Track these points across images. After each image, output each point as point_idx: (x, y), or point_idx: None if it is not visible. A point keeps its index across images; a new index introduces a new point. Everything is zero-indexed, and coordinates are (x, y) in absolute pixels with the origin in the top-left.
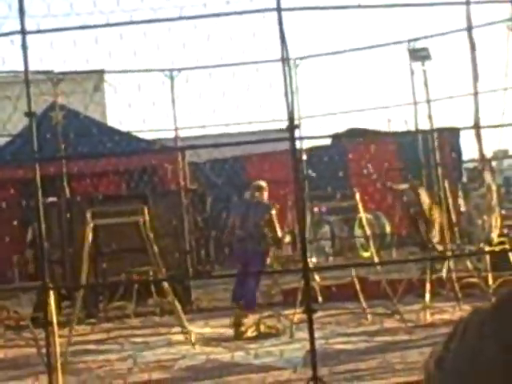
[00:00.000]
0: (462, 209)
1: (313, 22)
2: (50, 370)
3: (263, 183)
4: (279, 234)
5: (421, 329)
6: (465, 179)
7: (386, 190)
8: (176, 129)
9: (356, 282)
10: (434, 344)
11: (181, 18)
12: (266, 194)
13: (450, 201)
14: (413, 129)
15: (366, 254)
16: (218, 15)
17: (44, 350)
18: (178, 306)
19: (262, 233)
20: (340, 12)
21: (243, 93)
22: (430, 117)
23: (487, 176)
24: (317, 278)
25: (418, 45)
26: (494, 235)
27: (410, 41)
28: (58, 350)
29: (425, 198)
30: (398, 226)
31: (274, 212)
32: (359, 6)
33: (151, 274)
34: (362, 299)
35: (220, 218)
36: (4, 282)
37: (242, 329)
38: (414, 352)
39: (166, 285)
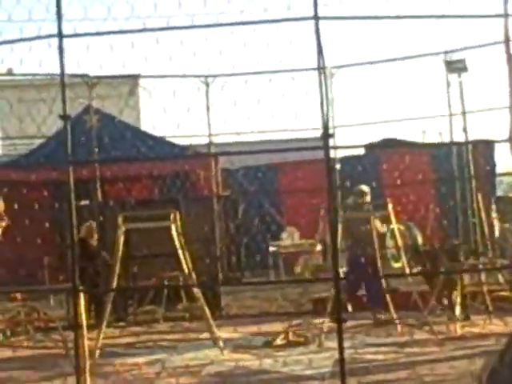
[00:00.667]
0: (495, 222)
1: (350, 31)
2: (78, 372)
3: (366, 188)
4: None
5: (451, 341)
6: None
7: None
8: (210, 135)
9: (386, 292)
10: (463, 357)
11: (218, 24)
12: (368, 199)
13: (483, 214)
14: (447, 141)
15: (396, 265)
16: (254, 23)
17: (73, 352)
18: (208, 312)
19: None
20: (377, 22)
21: (278, 101)
22: (465, 129)
23: None
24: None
25: (455, 56)
26: None
27: (446, 52)
28: (87, 352)
29: None
30: (430, 237)
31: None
32: (397, 17)
33: (181, 279)
34: (392, 310)
35: (252, 224)
36: (34, 283)
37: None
38: (444, 364)
39: (196, 290)
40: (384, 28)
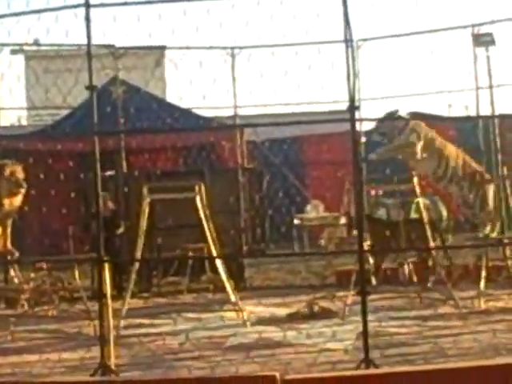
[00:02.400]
0: None
1: (377, 2)
2: (102, 342)
3: None
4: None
5: (475, 315)
6: None
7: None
8: (235, 107)
9: (411, 266)
10: (487, 331)
11: None
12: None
13: (509, 188)
14: (474, 114)
15: None
16: None
17: (97, 322)
18: (230, 284)
19: None
20: None
21: (305, 73)
22: (491, 103)
23: None
24: (371, 260)
25: (483, 30)
26: None
27: (474, 26)
28: (111, 322)
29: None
30: (455, 211)
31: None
32: None
33: (206, 250)
34: (416, 283)
35: (276, 197)
36: (60, 253)
37: None
38: (468, 338)
39: (217, 262)
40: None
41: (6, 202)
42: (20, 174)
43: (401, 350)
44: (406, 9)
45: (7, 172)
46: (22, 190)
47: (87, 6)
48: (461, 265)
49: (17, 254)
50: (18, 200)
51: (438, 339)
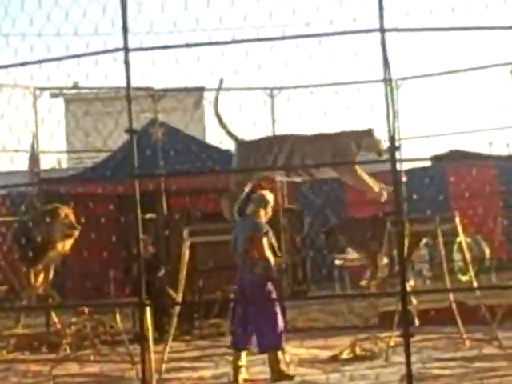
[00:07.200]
0: None
1: (416, 42)
2: None
3: (265, 194)
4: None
5: None
6: None
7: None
8: None
9: (454, 306)
10: None
11: (283, 37)
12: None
13: None
14: None
15: (464, 278)
16: (320, 35)
17: (139, 366)
18: None
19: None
20: (444, 33)
21: (344, 113)
22: None
23: None
24: (414, 301)
25: None
26: None
27: None
28: (153, 366)
29: None
30: (498, 250)
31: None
32: (464, 28)
33: None
34: (459, 324)
35: (318, 238)
36: (101, 296)
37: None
38: None
39: None
40: (451, 39)
41: (59, 245)
42: (72, 217)
43: None
44: (445, 47)
45: (62, 215)
46: (76, 233)
47: (126, 50)
48: (505, 304)
49: (57, 298)
50: (69, 244)
51: (483, 381)
